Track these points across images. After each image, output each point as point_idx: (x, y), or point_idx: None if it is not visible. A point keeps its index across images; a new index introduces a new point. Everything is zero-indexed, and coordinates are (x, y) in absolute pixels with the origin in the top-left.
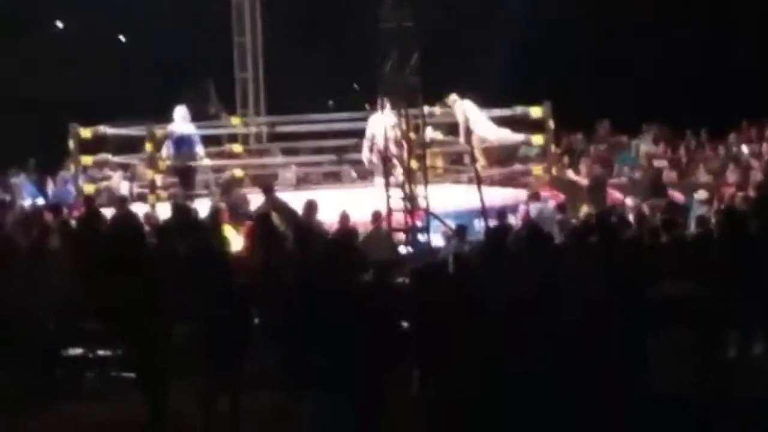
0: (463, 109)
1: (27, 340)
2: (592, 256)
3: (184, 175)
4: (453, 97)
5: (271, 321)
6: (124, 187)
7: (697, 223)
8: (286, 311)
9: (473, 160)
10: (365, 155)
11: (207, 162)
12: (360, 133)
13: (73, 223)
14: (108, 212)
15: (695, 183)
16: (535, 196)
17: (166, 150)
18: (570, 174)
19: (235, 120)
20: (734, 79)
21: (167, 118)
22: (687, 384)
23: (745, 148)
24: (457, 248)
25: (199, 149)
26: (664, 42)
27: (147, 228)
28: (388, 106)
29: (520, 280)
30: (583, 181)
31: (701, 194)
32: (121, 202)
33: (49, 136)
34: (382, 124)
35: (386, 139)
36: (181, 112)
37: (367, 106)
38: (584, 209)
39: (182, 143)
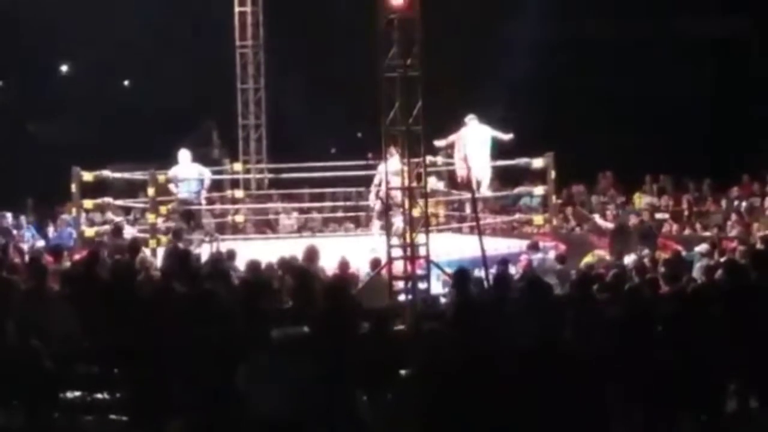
0: (473, 131)
1: (25, 382)
2: (593, 307)
3: (189, 217)
4: (471, 116)
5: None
6: (125, 232)
7: (701, 272)
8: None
9: (475, 209)
10: (372, 200)
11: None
12: (362, 181)
13: (72, 266)
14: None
15: (697, 236)
16: (535, 246)
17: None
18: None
19: (237, 166)
20: (740, 132)
21: (170, 163)
22: None
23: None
24: (463, 297)
25: (203, 192)
26: (669, 94)
27: (141, 272)
28: (396, 153)
29: (520, 330)
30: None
31: (702, 247)
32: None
33: (52, 179)
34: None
35: (388, 187)
36: (184, 156)
37: (369, 155)
38: (588, 259)
39: (187, 185)
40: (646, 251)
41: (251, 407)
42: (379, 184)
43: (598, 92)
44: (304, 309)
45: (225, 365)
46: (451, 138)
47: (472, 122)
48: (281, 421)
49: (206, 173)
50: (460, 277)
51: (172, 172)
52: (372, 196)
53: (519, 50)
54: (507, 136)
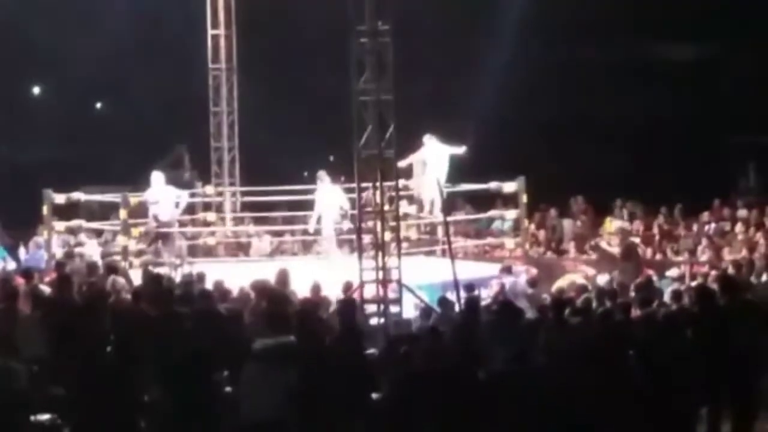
0: (431, 150)
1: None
2: (565, 331)
3: (164, 239)
4: (428, 135)
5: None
6: (96, 254)
7: (672, 297)
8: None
9: (447, 233)
10: (311, 227)
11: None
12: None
13: (43, 288)
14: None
15: (668, 260)
16: (507, 270)
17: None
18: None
19: (209, 189)
20: (711, 157)
21: (142, 185)
22: None
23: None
24: (434, 320)
25: (176, 214)
26: (640, 117)
27: (112, 295)
28: (326, 179)
29: (493, 353)
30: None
31: (673, 272)
32: (91, 269)
33: (23, 201)
34: (329, 196)
35: (360, 211)
36: (156, 178)
37: (342, 178)
38: (561, 283)
39: (161, 207)
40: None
41: (242, 412)
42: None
43: (570, 115)
44: (278, 332)
45: (193, 380)
46: (410, 159)
47: (430, 141)
48: (269, 423)
49: (183, 195)
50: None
51: (147, 194)
52: (312, 222)
53: (491, 74)
54: (460, 150)
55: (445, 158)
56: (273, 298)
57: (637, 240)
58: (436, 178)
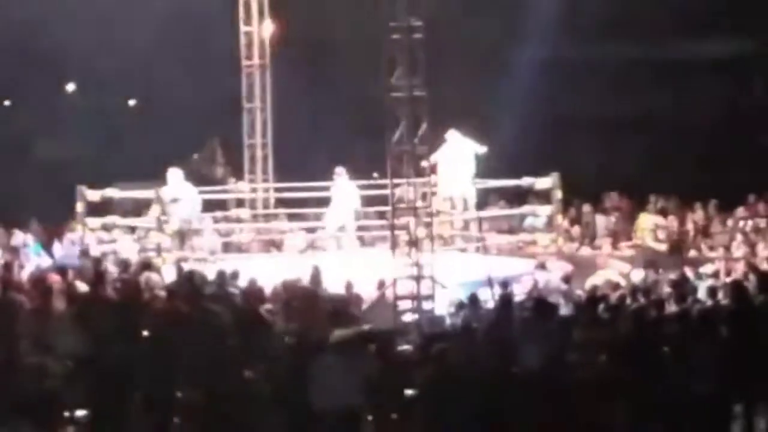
0: (453, 146)
1: (32, 401)
2: (599, 327)
3: (180, 237)
4: (451, 131)
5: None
6: (130, 250)
7: (707, 293)
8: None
9: (481, 229)
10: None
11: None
12: (367, 200)
13: (78, 285)
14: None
15: (703, 257)
16: (541, 266)
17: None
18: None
19: (242, 185)
20: (747, 152)
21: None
22: None
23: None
24: (470, 317)
25: (196, 211)
26: (676, 114)
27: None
28: (343, 174)
29: (527, 350)
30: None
31: (708, 268)
32: (125, 266)
33: (58, 199)
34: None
35: (393, 208)
36: (174, 174)
37: (375, 174)
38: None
39: (178, 205)
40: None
41: (318, 401)
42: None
43: (605, 111)
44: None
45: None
46: (434, 158)
47: (452, 137)
48: (344, 412)
49: (194, 193)
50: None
51: (164, 192)
52: (328, 216)
53: (526, 70)
54: (482, 149)
55: (469, 154)
56: (305, 298)
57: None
58: (466, 173)
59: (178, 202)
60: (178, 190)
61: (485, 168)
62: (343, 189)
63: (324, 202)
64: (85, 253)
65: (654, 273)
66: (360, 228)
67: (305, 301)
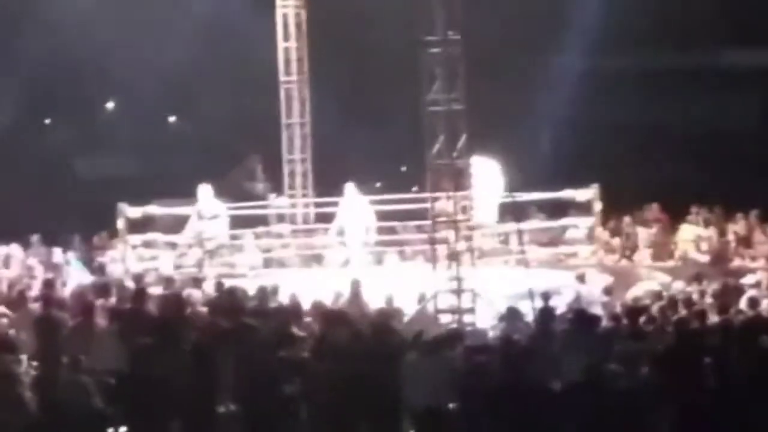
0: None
1: (74, 417)
2: (640, 339)
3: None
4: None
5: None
6: (170, 267)
7: (748, 303)
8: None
9: (521, 242)
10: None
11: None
12: (408, 214)
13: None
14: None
15: (744, 267)
16: (581, 278)
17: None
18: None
19: (283, 200)
20: None
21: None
22: None
23: None
24: (510, 330)
25: (224, 226)
26: (716, 124)
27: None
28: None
29: (568, 362)
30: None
31: (750, 278)
32: (167, 282)
33: (99, 215)
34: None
35: (434, 221)
36: (205, 191)
37: (415, 188)
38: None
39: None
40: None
41: (405, 398)
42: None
43: (644, 123)
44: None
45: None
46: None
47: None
48: (431, 408)
49: (224, 209)
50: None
51: (195, 209)
52: (332, 231)
53: (565, 83)
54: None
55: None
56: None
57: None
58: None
59: (213, 219)
60: (209, 206)
61: (525, 181)
62: (354, 205)
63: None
64: (101, 269)
65: (697, 284)
66: (400, 242)
67: (325, 326)
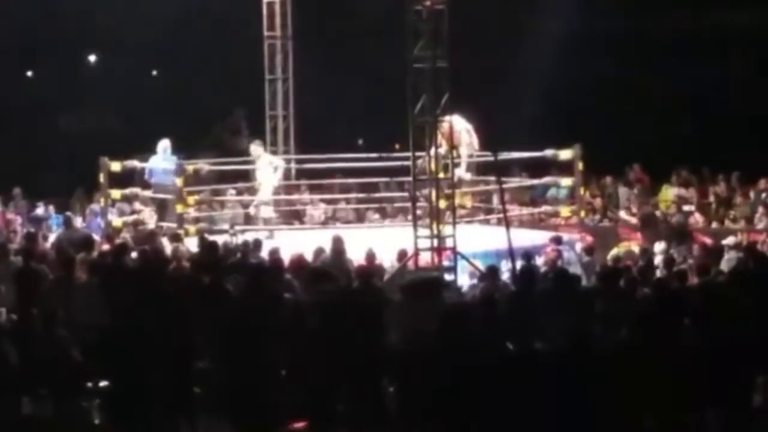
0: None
1: (53, 371)
2: (621, 299)
3: (161, 208)
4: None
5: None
6: (153, 221)
7: (731, 265)
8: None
9: (503, 200)
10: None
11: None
12: (389, 172)
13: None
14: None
15: (725, 228)
16: (558, 240)
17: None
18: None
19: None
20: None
21: (198, 153)
22: None
23: None
24: (489, 289)
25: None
26: (695, 84)
27: (174, 263)
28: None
29: (549, 323)
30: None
31: (730, 239)
32: (149, 237)
33: (79, 169)
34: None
35: (414, 179)
36: (163, 145)
37: (396, 145)
38: (616, 251)
39: (159, 176)
40: (681, 248)
41: (389, 342)
42: None
43: (626, 84)
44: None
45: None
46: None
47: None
48: (414, 350)
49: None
50: (489, 272)
51: (150, 162)
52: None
53: (548, 43)
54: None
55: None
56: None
57: (692, 208)
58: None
59: (161, 173)
60: (161, 160)
61: (507, 139)
62: (267, 163)
63: (346, 173)
64: (68, 222)
65: (676, 245)
66: (382, 200)
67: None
